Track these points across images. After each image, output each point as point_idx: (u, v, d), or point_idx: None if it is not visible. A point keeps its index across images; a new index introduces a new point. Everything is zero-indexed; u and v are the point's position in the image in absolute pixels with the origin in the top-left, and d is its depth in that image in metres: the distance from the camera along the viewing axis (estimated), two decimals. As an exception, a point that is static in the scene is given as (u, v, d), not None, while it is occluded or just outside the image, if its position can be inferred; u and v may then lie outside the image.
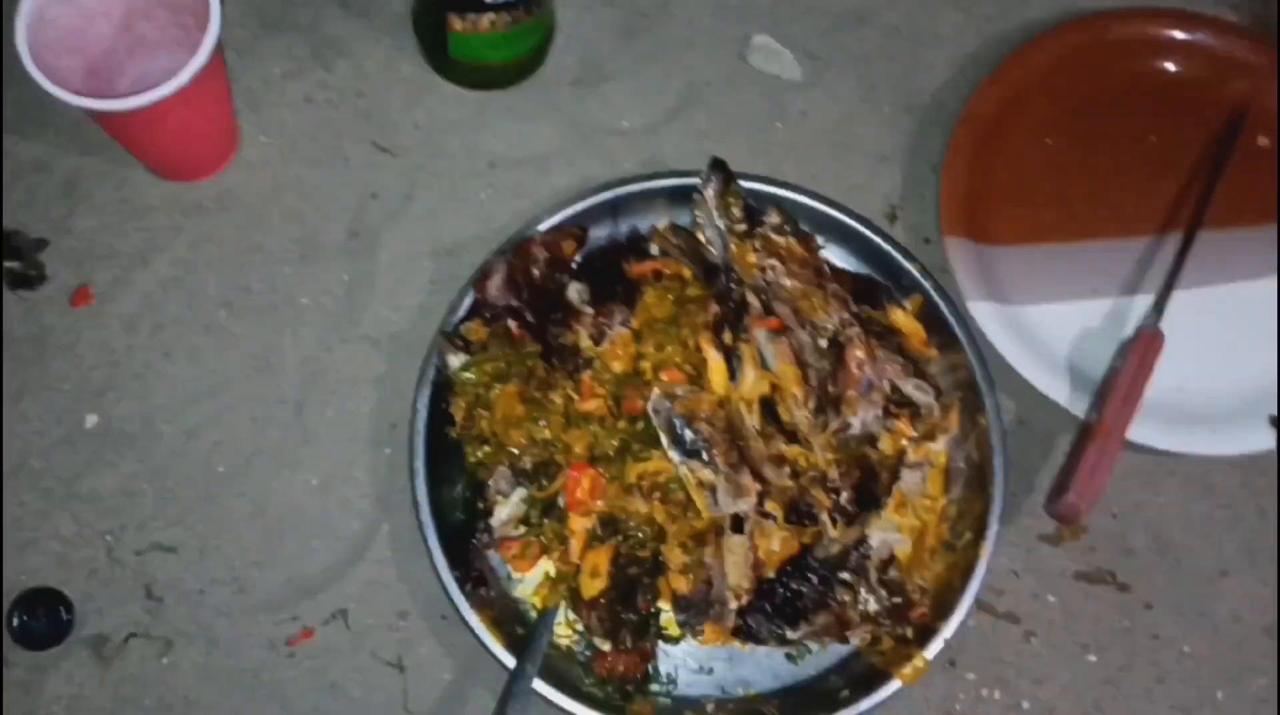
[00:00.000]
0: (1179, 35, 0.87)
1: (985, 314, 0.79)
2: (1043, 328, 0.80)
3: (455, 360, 0.74)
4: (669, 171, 0.81)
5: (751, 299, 0.75)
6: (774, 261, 0.76)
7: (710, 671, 0.74)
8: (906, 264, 0.79)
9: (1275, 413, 0.78)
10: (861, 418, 0.73)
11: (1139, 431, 0.75)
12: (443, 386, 0.74)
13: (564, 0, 0.87)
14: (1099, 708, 0.74)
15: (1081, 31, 0.87)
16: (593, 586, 0.72)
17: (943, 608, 0.72)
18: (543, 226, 0.78)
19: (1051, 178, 0.85)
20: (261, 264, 0.81)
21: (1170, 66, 0.88)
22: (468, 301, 0.76)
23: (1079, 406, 0.77)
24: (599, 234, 0.81)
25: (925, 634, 0.72)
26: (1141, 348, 0.76)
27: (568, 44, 0.87)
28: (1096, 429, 0.74)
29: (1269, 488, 0.79)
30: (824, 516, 0.72)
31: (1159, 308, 0.79)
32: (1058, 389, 0.78)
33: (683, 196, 0.79)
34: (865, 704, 0.69)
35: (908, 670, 0.70)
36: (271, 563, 0.75)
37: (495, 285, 0.76)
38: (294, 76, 0.85)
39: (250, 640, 0.74)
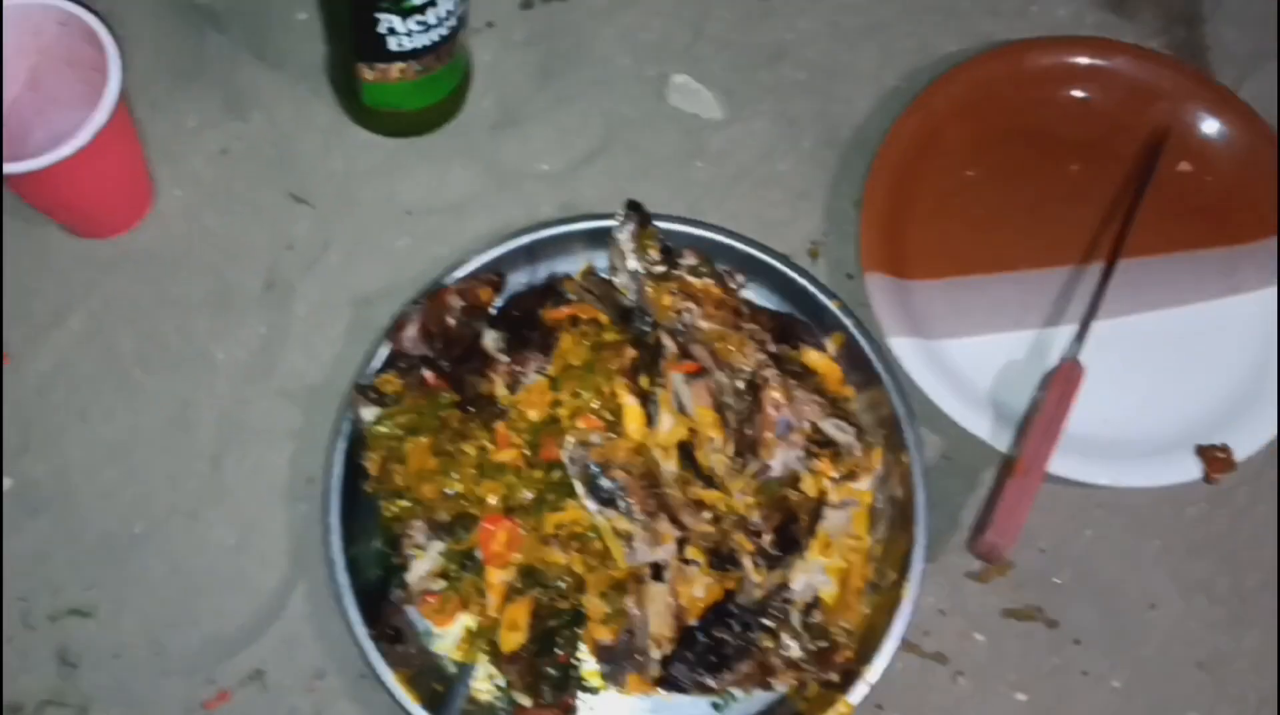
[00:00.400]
0: (1097, 63, 0.87)
1: (906, 349, 0.78)
2: (965, 362, 0.80)
3: (369, 413, 0.73)
4: (586, 214, 0.80)
5: (667, 342, 0.75)
6: (690, 303, 0.76)
7: (634, 722, 0.73)
8: (827, 301, 0.78)
9: (1201, 443, 0.77)
10: (781, 459, 0.73)
11: (1063, 465, 0.75)
12: (358, 440, 0.73)
13: (481, 44, 0.87)
14: (1029, 747, 0.73)
15: (998, 62, 0.87)
16: (512, 640, 0.71)
17: (868, 650, 0.71)
18: (458, 274, 0.78)
19: (972, 209, 0.84)
20: (177, 318, 0.80)
21: (1089, 94, 0.88)
22: (383, 352, 0.75)
23: (1002, 441, 0.77)
24: (518, 279, 0.80)
25: (850, 678, 0.71)
26: (1061, 380, 0.76)
27: (485, 88, 0.87)
28: (1016, 465, 0.73)
29: (1196, 519, 0.78)
30: (746, 561, 0.71)
31: (1080, 338, 0.78)
32: (980, 424, 0.77)
33: (601, 239, 0.79)
34: (789, 752, 0.69)
35: (832, 716, 0.70)
36: (188, 623, 0.74)
37: (409, 335, 0.75)
38: (208, 128, 0.85)
39: (167, 704, 0.72)
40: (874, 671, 0.70)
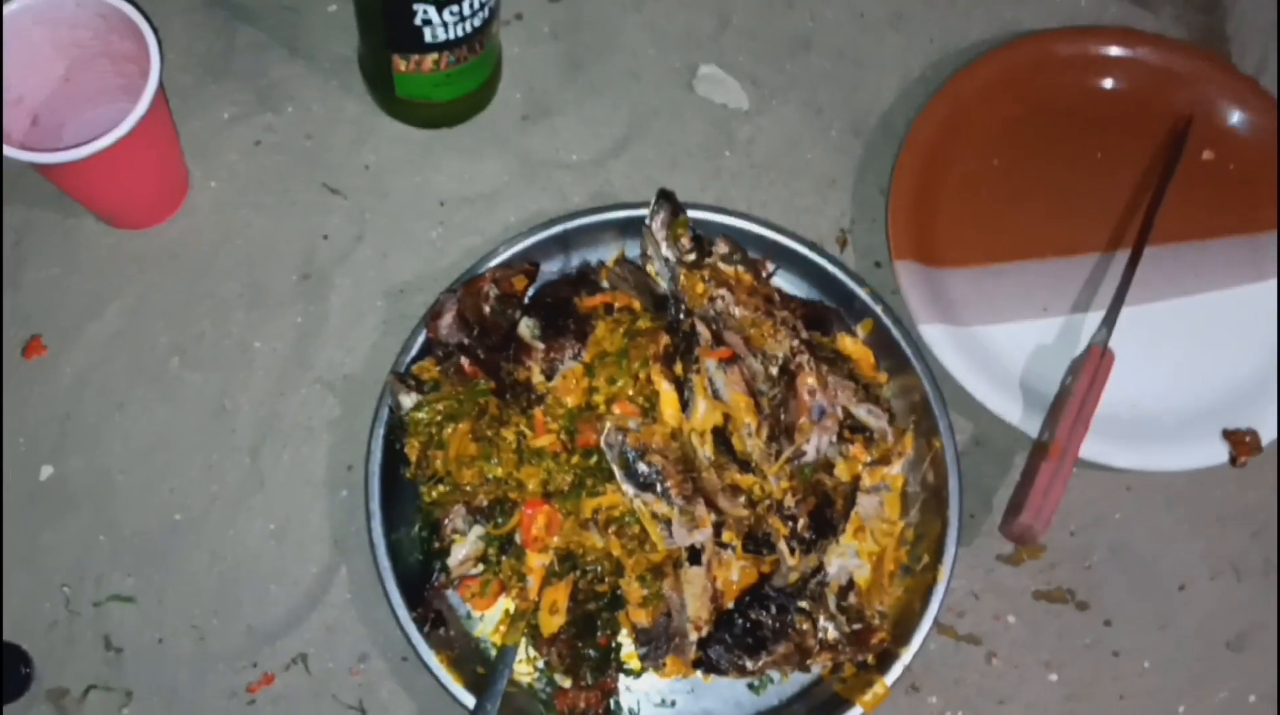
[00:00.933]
0: (1121, 52, 0.88)
1: (937, 336, 0.79)
2: (995, 348, 0.81)
3: (408, 400, 0.74)
4: (617, 204, 0.81)
5: (701, 329, 0.75)
6: (723, 291, 0.76)
7: (673, 704, 0.74)
8: (857, 289, 0.79)
9: (1227, 427, 0.78)
10: (815, 444, 0.73)
11: (1093, 448, 0.76)
12: (397, 427, 0.74)
13: (509, 37, 0.87)
14: (1062, 726, 0.74)
15: (1024, 51, 0.87)
16: (552, 623, 0.72)
17: (903, 632, 0.72)
18: (493, 263, 0.78)
19: (999, 197, 0.85)
20: (213, 310, 0.81)
21: (1113, 83, 0.88)
22: (420, 341, 0.76)
23: (1033, 425, 0.78)
24: (550, 268, 0.81)
25: (886, 659, 0.72)
26: (1091, 366, 0.77)
27: (514, 80, 0.87)
28: (1049, 449, 0.74)
29: (1224, 500, 0.79)
30: (781, 545, 0.72)
31: (1109, 324, 0.79)
32: (1011, 409, 0.78)
33: (632, 228, 0.80)
34: (827, 732, 0.69)
35: (869, 697, 0.70)
36: (230, 610, 0.74)
37: (446, 323, 0.76)
38: (241, 121, 0.85)
39: (211, 689, 0.73)
40: (909, 653, 0.71)
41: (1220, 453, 0.77)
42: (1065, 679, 0.75)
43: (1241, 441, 0.77)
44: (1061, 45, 0.88)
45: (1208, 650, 0.76)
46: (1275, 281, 0.83)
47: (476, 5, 0.74)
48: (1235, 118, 0.87)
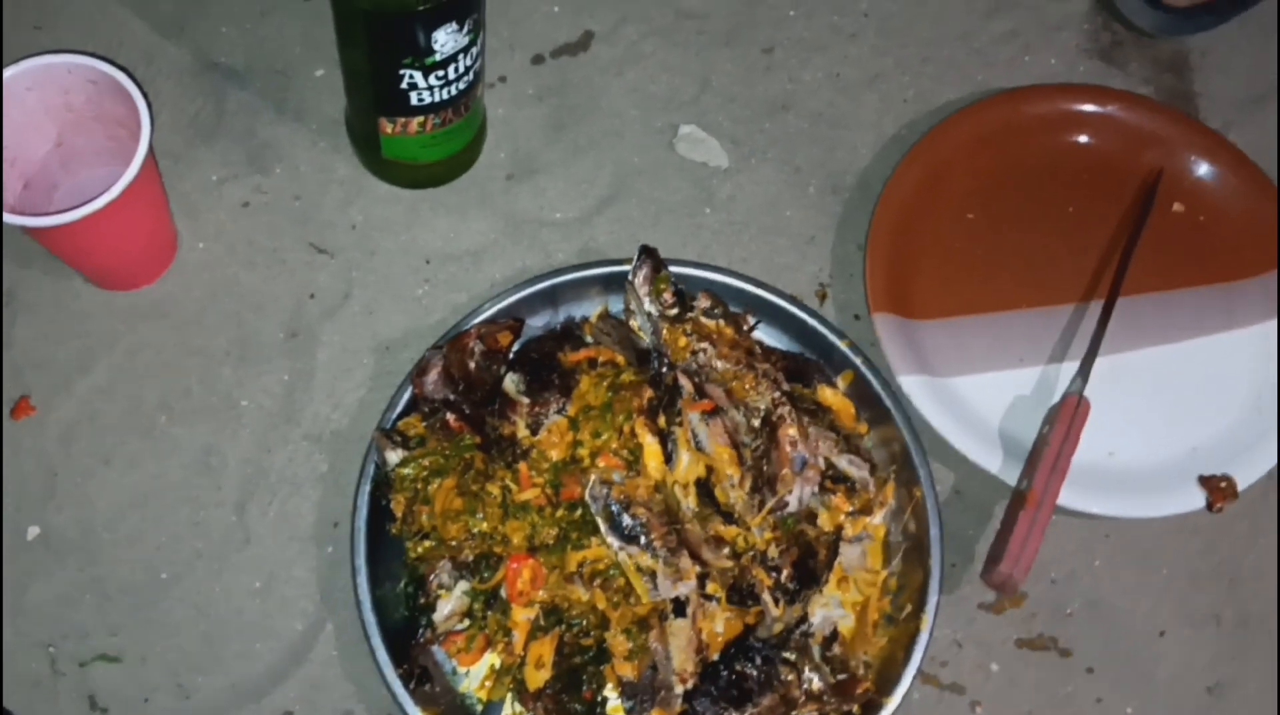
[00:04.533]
0: (1091, 109, 0.91)
1: (915, 387, 0.80)
2: (973, 398, 0.82)
3: (393, 456, 0.74)
4: (601, 260, 0.83)
5: (684, 382, 0.76)
6: (705, 344, 0.78)
7: (659, 758, 0.73)
8: (836, 341, 0.80)
9: (1203, 473, 0.79)
10: (797, 495, 0.74)
11: (1071, 497, 0.77)
12: (383, 483, 0.75)
13: (494, 99, 0.89)
14: (1047, 775, 0.74)
15: (996, 109, 0.90)
16: (538, 677, 0.72)
17: (887, 682, 0.72)
18: (478, 320, 0.79)
19: (974, 251, 0.87)
20: (200, 367, 0.82)
21: (1084, 139, 0.91)
22: (406, 397, 0.77)
23: (1012, 475, 0.79)
24: (535, 324, 0.82)
25: (871, 709, 0.72)
26: (1067, 415, 0.78)
27: (499, 140, 0.89)
28: (1027, 497, 0.75)
29: (1201, 548, 0.80)
30: (765, 596, 0.73)
31: (1083, 374, 0.80)
32: (990, 459, 0.79)
33: (616, 283, 0.81)
34: (812, 784, 0.69)
35: (854, 747, 0.71)
36: (215, 668, 0.74)
37: (432, 380, 0.77)
38: (231, 181, 0.87)
39: (195, 748, 0.73)
40: (893, 703, 0.72)
41: (1197, 499, 0.78)
42: (1049, 728, 0.75)
43: (1217, 488, 0.78)
44: (1032, 103, 0.91)
45: (1188, 697, 0.76)
46: (1251, 329, 0.85)
47: (462, 69, 0.76)
48: (1204, 171, 0.89)
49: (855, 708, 0.72)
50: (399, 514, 0.74)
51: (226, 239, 0.85)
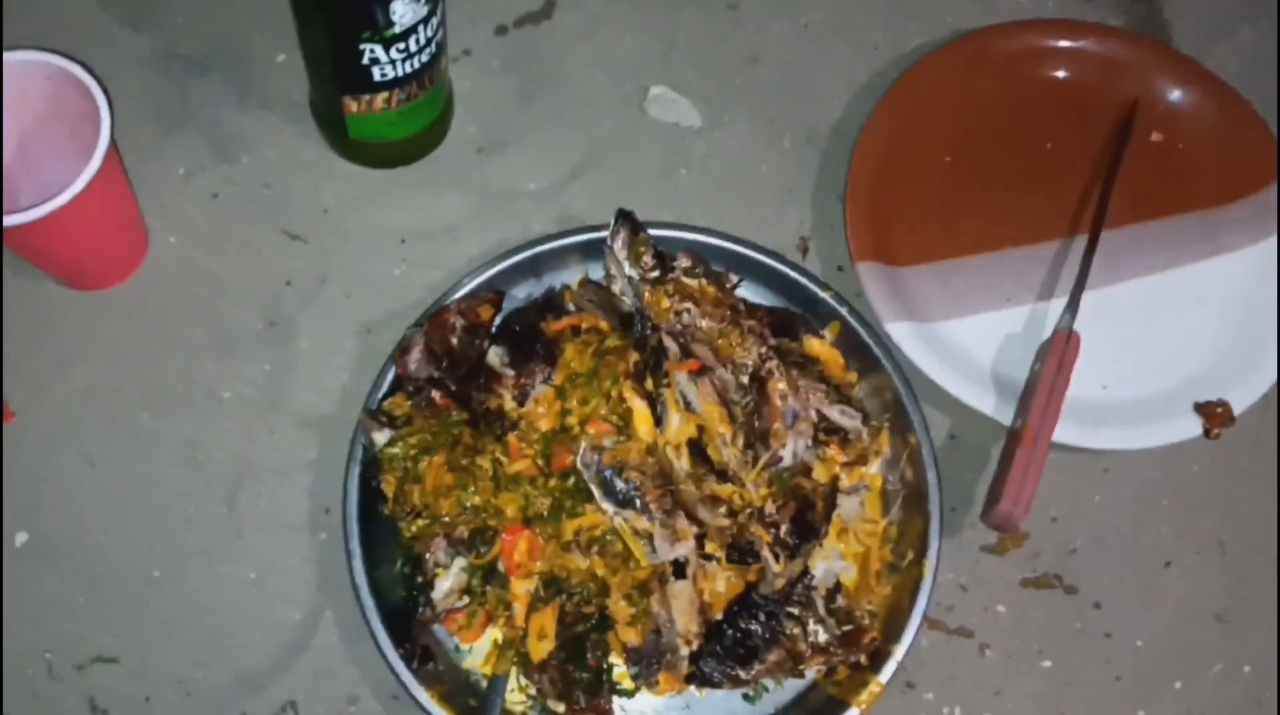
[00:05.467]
0: (1064, 43, 0.90)
1: (904, 334, 0.80)
2: (962, 341, 0.81)
3: (380, 437, 0.74)
4: (578, 227, 0.82)
5: (669, 343, 0.76)
6: (688, 304, 0.77)
7: (669, 722, 0.73)
8: (820, 293, 0.79)
9: (1198, 400, 0.78)
10: (791, 449, 0.74)
11: (1067, 433, 0.76)
12: (372, 465, 0.74)
13: (460, 72, 0.88)
14: (1061, 712, 0.73)
15: (968, 49, 0.89)
16: (541, 649, 0.71)
17: (893, 630, 0.72)
18: (457, 295, 0.78)
19: (954, 193, 0.86)
20: (180, 362, 0.81)
21: (1059, 74, 0.90)
22: (390, 377, 0.76)
23: (1006, 415, 0.78)
24: (517, 295, 0.81)
25: (879, 658, 0.71)
26: (1058, 350, 0.77)
27: (468, 114, 0.88)
28: (1022, 436, 0.74)
29: (1201, 475, 0.79)
30: (765, 552, 0.72)
31: (1072, 309, 0.80)
32: (984, 400, 0.78)
33: (595, 250, 0.80)
34: (825, 736, 0.69)
35: (864, 697, 0.70)
36: (215, 662, 0.74)
37: (414, 358, 0.76)
38: (198, 174, 0.86)
39: (201, 744, 0.72)
40: (901, 650, 0.71)
41: (1194, 427, 0.78)
42: (1059, 665, 0.74)
43: (1213, 414, 0.78)
44: (1004, 40, 0.89)
45: (1198, 625, 0.76)
46: (1238, 253, 0.84)
47: (423, 41, 0.75)
48: (1180, 97, 0.88)
49: (863, 658, 0.71)
50: (390, 494, 0.73)
51: (198, 232, 0.84)
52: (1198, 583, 0.77)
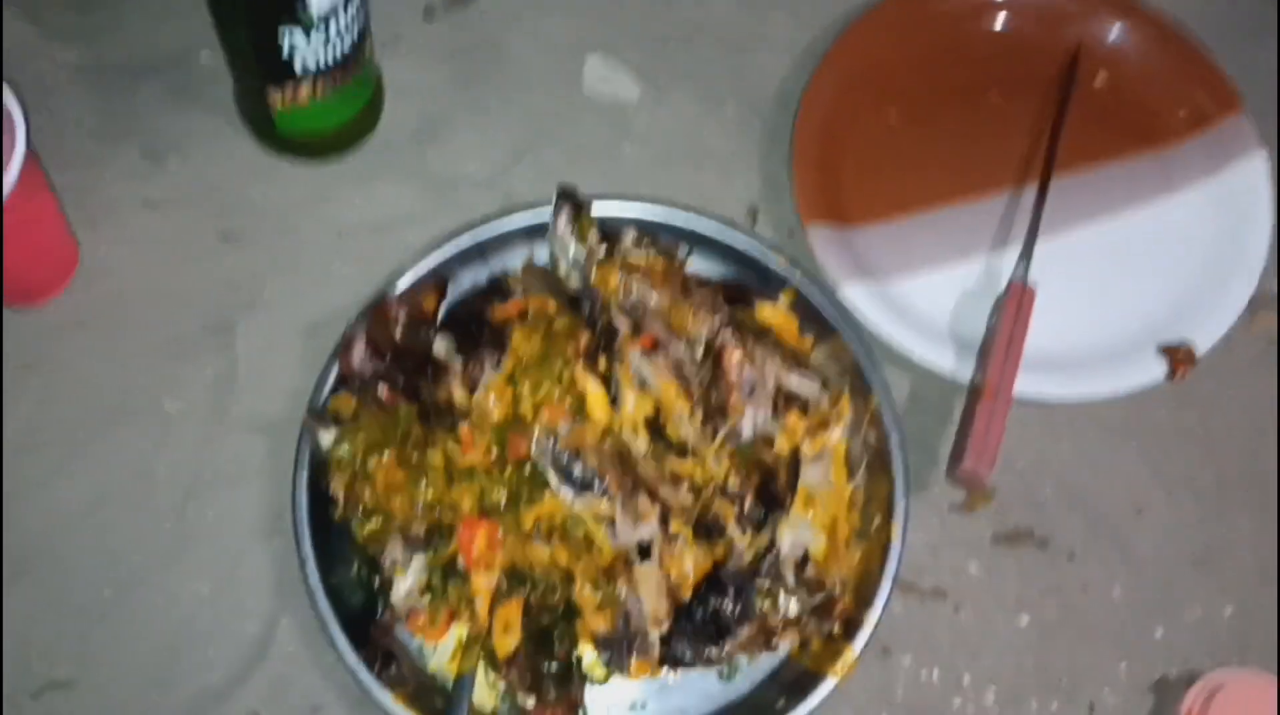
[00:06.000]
0: (1000, -5, 0.88)
1: (858, 295, 0.78)
2: (918, 299, 0.80)
3: (326, 437, 0.72)
4: (519, 208, 0.79)
5: (620, 321, 0.74)
6: (637, 280, 0.75)
7: (644, 706, 0.71)
8: (772, 259, 0.78)
9: (1161, 343, 0.77)
10: (750, 420, 0.72)
11: (1028, 384, 0.75)
12: (321, 467, 0.72)
13: (391, 58, 0.86)
14: (1042, 668, 0.72)
15: (905, 6, 0.87)
16: (507, 643, 0.69)
17: (865, 597, 0.70)
18: (399, 287, 0.76)
19: (901, 150, 0.85)
20: (122, 375, 0.78)
21: (998, 26, 0.88)
22: (334, 376, 0.74)
23: (966, 371, 0.77)
24: (462, 282, 0.79)
25: (852, 627, 0.70)
26: (1013, 302, 0.76)
27: (401, 102, 0.86)
28: (982, 391, 0.73)
29: (1168, 417, 0.78)
30: (731, 527, 0.71)
31: (1025, 260, 0.78)
32: (942, 358, 0.77)
33: (539, 231, 0.78)
34: (801, 710, 0.67)
35: (840, 667, 0.69)
36: (174, 680, 0.72)
37: (358, 354, 0.74)
38: (127, 181, 0.83)
39: (164, 765, 0.70)
40: (874, 616, 0.69)
41: (1157, 370, 0.76)
42: (1036, 620, 0.73)
43: (1177, 355, 0.76)
44: (940, -2, 0.88)
45: (1175, 570, 0.74)
46: (1191, 190, 0.83)
47: (343, 25, 0.73)
48: (1121, 37, 0.87)
49: (836, 627, 0.70)
50: (340, 496, 0.71)
51: (131, 241, 0.82)
52: (1172, 527, 0.76)
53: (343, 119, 0.81)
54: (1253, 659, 0.72)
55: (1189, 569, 0.75)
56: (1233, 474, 0.77)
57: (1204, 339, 0.77)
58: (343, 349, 0.74)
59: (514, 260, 0.80)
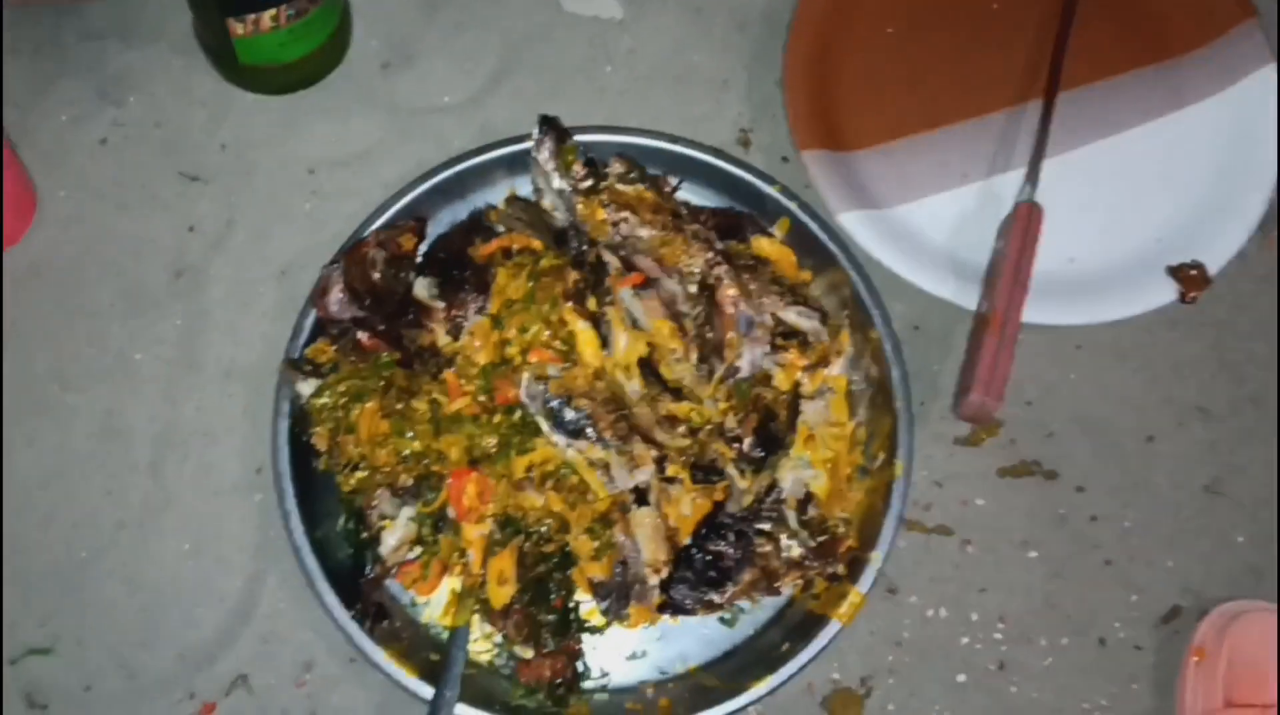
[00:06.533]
0: (1002, -105, 0.83)
1: (857, 223, 0.75)
2: (919, 226, 0.76)
3: (306, 387, 0.68)
4: (500, 140, 0.75)
5: (609, 258, 0.71)
6: (626, 213, 0.71)
7: (644, 655, 0.69)
8: (766, 188, 0.74)
9: (1172, 264, 0.74)
10: (748, 358, 0.69)
11: (1036, 311, 0.72)
12: (301, 418, 0.69)
13: (356, -18, 0.81)
14: (1050, 604, 0.70)
15: (902, -89, 0.82)
16: (502, 594, 0.67)
17: (870, 536, 0.68)
18: (375, 226, 0.73)
19: (898, 68, 0.80)
20: (87, 326, 0.75)
21: (999, -71, 0.84)
22: (310, 322, 0.71)
23: (970, 299, 0.74)
24: (441, 221, 0.76)
25: (857, 567, 0.68)
26: (1020, 224, 0.72)
27: (369, 28, 0.81)
28: (990, 320, 0.70)
29: (1179, 341, 0.75)
30: (730, 469, 0.68)
31: (1032, 179, 0.75)
32: (945, 286, 0.74)
33: (520, 163, 0.75)
34: (806, 654, 0.65)
35: (845, 609, 0.67)
36: (157, 640, 0.69)
37: (335, 299, 0.70)
38: (84, 120, 0.79)
39: (151, 729, 0.68)
40: (879, 556, 0.67)
41: (1168, 292, 0.74)
42: (1045, 555, 0.71)
43: (1188, 276, 0.73)
44: (939, -103, 0.83)
45: (1187, 499, 0.72)
46: (1201, 104, 0.79)
47: (304, -52, 0.68)
48: (1130, -55, 0.82)
49: (840, 568, 0.68)
50: (323, 448, 0.68)
51: (90, 183, 0.78)
52: (1183, 455, 0.73)
53: (308, 48, 0.76)
54: (1266, 589, 0.70)
55: (1200, 497, 0.73)
56: (1245, 399, 0.74)
57: (1215, 259, 0.74)
58: (318, 293, 0.70)
59: (495, 195, 0.76)
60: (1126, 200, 0.77)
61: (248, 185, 0.78)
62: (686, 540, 0.68)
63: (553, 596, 0.67)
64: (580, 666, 0.68)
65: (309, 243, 0.76)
